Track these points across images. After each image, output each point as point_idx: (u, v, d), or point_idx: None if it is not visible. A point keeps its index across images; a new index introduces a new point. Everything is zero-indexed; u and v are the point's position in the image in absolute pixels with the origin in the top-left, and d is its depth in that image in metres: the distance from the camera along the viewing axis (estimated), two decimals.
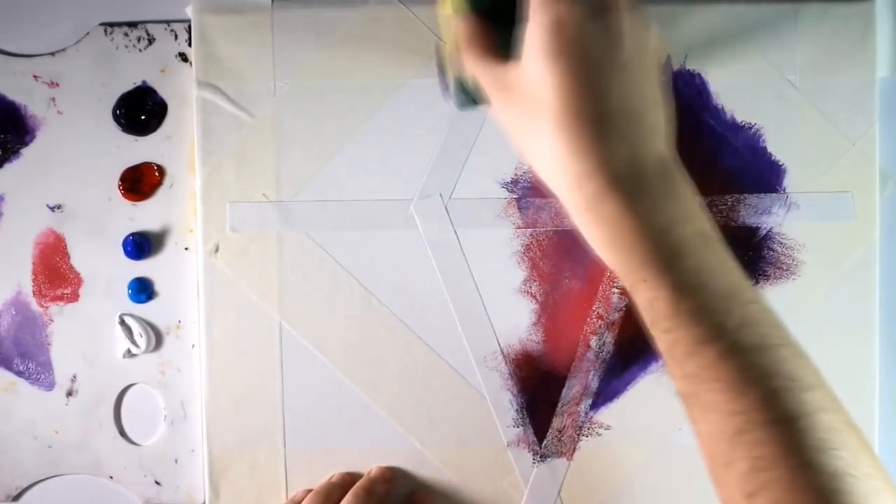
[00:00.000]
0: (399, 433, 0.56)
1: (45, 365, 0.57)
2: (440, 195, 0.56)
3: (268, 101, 0.55)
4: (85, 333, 0.57)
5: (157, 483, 0.57)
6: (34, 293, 0.57)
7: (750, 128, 0.56)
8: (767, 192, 0.56)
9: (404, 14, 0.55)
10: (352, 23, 0.55)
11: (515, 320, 0.56)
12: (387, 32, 0.55)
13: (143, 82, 0.56)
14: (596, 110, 0.36)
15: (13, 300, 0.57)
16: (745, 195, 0.56)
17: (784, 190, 0.56)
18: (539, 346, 0.56)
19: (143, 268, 0.57)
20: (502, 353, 0.56)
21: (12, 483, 0.57)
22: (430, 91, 0.55)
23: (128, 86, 0.56)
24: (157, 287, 0.57)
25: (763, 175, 0.56)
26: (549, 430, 0.56)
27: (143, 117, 0.56)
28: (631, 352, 0.56)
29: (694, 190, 0.38)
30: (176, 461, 0.57)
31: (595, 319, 0.56)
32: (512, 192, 0.56)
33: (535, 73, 0.36)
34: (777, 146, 0.56)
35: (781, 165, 0.56)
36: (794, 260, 0.56)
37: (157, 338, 0.57)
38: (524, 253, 0.56)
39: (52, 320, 0.57)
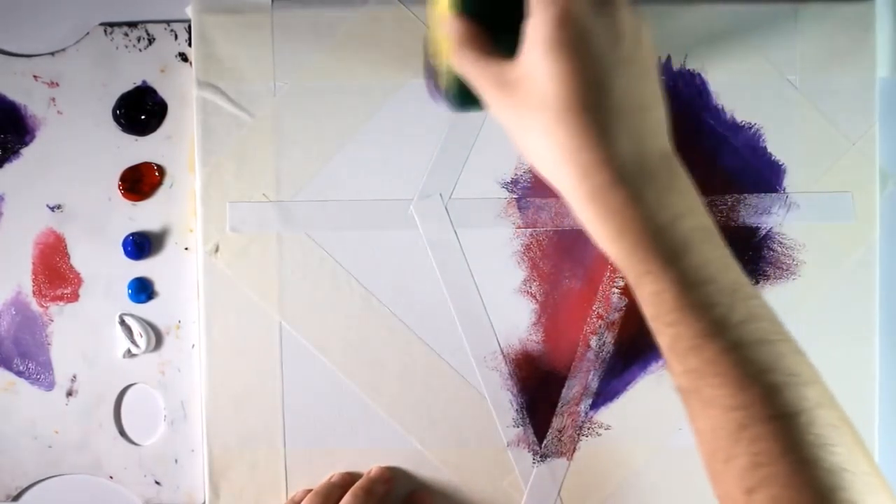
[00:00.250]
0: (399, 433, 0.56)
1: (45, 365, 0.57)
2: (440, 195, 0.56)
3: (268, 101, 0.55)
4: (85, 333, 0.57)
5: (157, 483, 0.57)
6: (34, 293, 0.57)
7: (750, 128, 0.56)
8: (767, 192, 0.56)
9: (404, 14, 0.55)
10: (352, 23, 0.55)
11: (515, 320, 0.56)
12: (387, 32, 0.55)
13: (143, 82, 0.56)
14: (602, 103, 0.36)
15: (13, 300, 0.57)
16: (745, 195, 0.56)
17: (784, 190, 0.56)
18: (539, 346, 0.56)
19: (143, 268, 0.57)
20: (502, 353, 0.56)
21: (12, 483, 0.57)
22: None
23: (128, 86, 0.56)
24: (157, 287, 0.57)
25: (763, 175, 0.56)
26: (549, 430, 0.56)
27: (143, 117, 0.56)
28: (631, 352, 0.56)
29: (694, 184, 0.39)
30: (176, 461, 0.57)
31: (595, 319, 0.56)
32: (512, 192, 0.56)
33: (538, 68, 0.36)
34: (777, 146, 0.56)
35: (781, 165, 0.56)
36: (794, 260, 0.56)
37: (157, 338, 0.57)
38: (524, 253, 0.56)
39: (52, 320, 0.57)
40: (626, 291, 0.56)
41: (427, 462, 0.56)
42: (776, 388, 0.35)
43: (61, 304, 0.57)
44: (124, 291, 0.57)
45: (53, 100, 0.56)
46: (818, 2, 0.55)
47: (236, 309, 0.55)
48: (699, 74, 0.55)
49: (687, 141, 0.56)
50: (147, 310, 0.57)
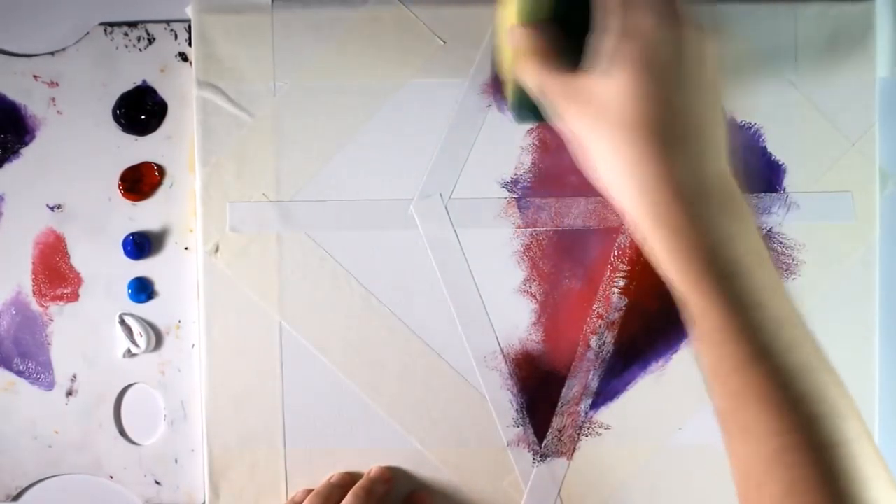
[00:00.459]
0: (399, 433, 0.56)
1: (45, 365, 0.57)
2: (440, 195, 0.56)
3: (268, 101, 0.55)
4: (85, 333, 0.57)
5: (157, 483, 0.57)
6: (34, 293, 0.57)
7: (750, 128, 0.56)
8: (767, 192, 0.56)
9: (404, 14, 0.55)
10: (352, 23, 0.55)
11: (515, 320, 0.56)
12: (387, 32, 0.55)
13: (143, 82, 0.56)
14: (668, 119, 0.37)
15: (13, 300, 0.57)
16: (745, 195, 0.56)
17: (784, 190, 0.56)
18: (539, 345, 0.56)
19: (143, 268, 0.57)
20: (502, 352, 0.56)
21: (12, 483, 0.57)
22: (430, 91, 0.55)
23: (128, 86, 0.56)
24: (157, 287, 0.57)
25: (763, 175, 0.56)
26: (549, 430, 0.56)
27: (143, 117, 0.56)
28: (631, 352, 0.56)
29: (753, 209, 0.39)
30: (176, 461, 0.57)
31: (595, 319, 0.56)
32: (512, 192, 0.56)
33: (607, 81, 0.37)
34: (777, 146, 0.56)
35: (781, 165, 0.56)
36: (794, 260, 0.56)
37: (157, 338, 0.57)
38: (524, 253, 0.56)
39: (52, 320, 0.57)
40: (626, 291, 0.56)
41: (427, 462, 0.56)
42: (817, 417, 0.35)
43: (61, 303, 0.57)
44: (124, 291, 0.57)
45: (53, 100, 0.56)
46: (818, 2, 0.55)
47: (236, 309, 0.55)
48: None
49: None
50: (147, 310, 0.57)
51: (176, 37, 0.56)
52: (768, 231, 0.56)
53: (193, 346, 0.57)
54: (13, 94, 0.56)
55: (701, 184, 0.37)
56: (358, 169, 0.56)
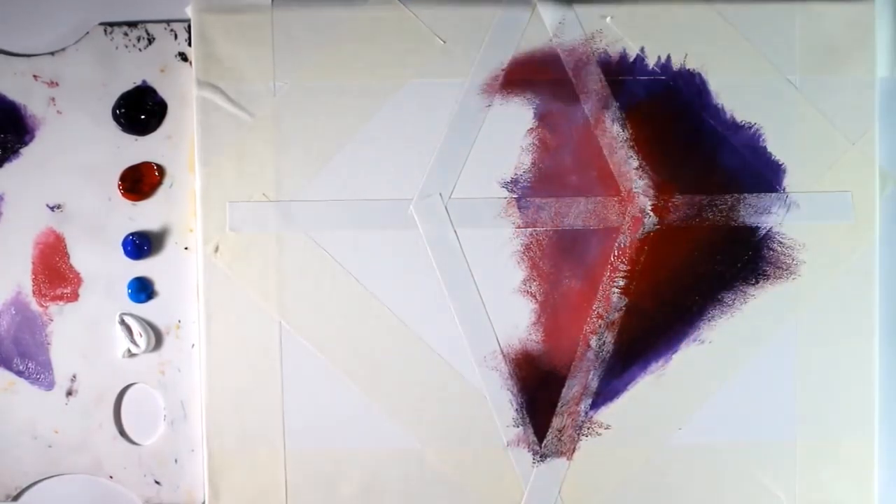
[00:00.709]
0: (399, 433, 0.56)
1: (45, 365, 0.57)
2: (440, 195, 0.56)
3: (268, 101, 0.55)
4: (85, 333, 0.57)
5: (157, 483, 0.57)
6: (34, 293, 0.57)
7: (750, 128, 0.56)
8: (767, 191, 0.56)
9: (404, 14, 0.55)
10: (352, 23, 0.55)
11: (515, 320, 0.56)
12: (387, 32, 0.55)
13: (143, 82, 0.56)
14: None
15: (13, 300, 0.57)
16: (745, 195, 0.56)
17: (784, 190, 0.56)
18: (539, 345, 0.56)
19: (143, 267, 0.57)
20: (502, 352, 0.56)
21: (12, 483, 0.57)
22: (430, 91, 0.55)
23: (128, 85, 0.56)
24: (157, 287, 0.57)
25: (763, 175, 0.56)
26: (549, 430, 0.56)
27: (143, 117, 0.56)
28: (631, 352, 0.56)
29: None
30: (176, 461, 0.57)
31: (595, 319, 0.56)
32: (512, 191, 0.56)
33: None
34: (777, 146, 0.56)
35: (781, 165, 0.56)
36: (794, 260, 0.56)
37: (157, 337, 0.57)
38: (524, 253, 0.56)
39: (51, 320, 0.57)
40: (626, 291, 0.56)
41: (427, 462, 0.56)
42: None
43: (61, 303, 0.57)
44: (124, 291, 0.57)
45: (53, 100, 0.56)
46: (818, 2, 0.55)
47: (236, 309, 0.55)
48: (699, 74, 0.55)
49: (687, 141, 0.56)
50: (147, 309, 0.57)
51: (176, 37, 0.56)
52: (768, 231, 0.56)
53: (193, 345, 0.57)
54: (13, 94, 0.56)
55: None
56: (358, 169, 0.56)
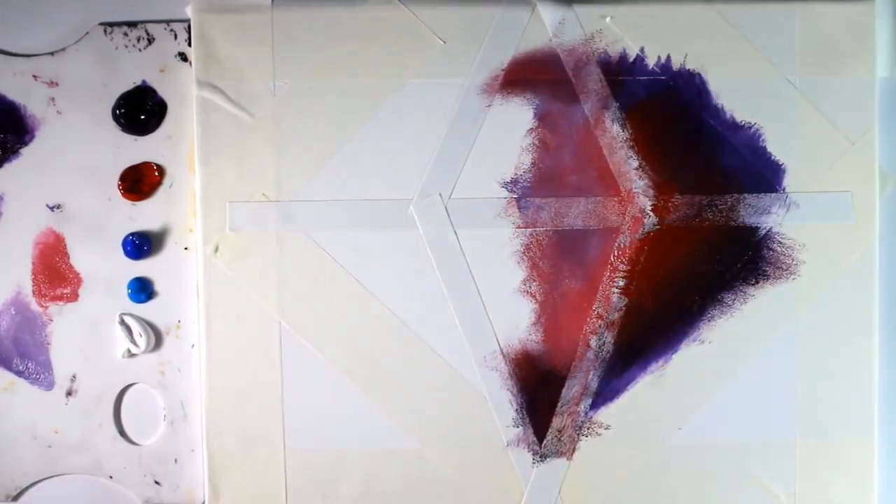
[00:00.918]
0: (399, 433, 0.56)
1: (45, 365, 0.57)
2: (440, 195, 0.56)
3: (268, 101, 0.55)
4: (84, 333, 0.57)
5: (157, 483, 0.57)
6: (34, 293, 0.57)
7: (750, 128, 0.56)
8: (767, 191, 0.56)
9: (404, 14, 0.55)
10: (352, 23, 0.55)
11: (515, 320, 0.56)
12: (387, 32, 0.55)
13: (143, 82, 0.56)
14: None
15: (13, 300, 0.57)
16: (745, 195, 0.56)
17: (784, 190, 0.56)
18: (539, 345, 0.56)
19: (143, 268, 0.57)
20: (502, 352, 0.56)
21: (12, 483, 0.57)
22: (430, 91, 0.55)
23: (128, 85, 0.56)
24: (157, 287, 0.57)
25: (763, 175, 0.56)
26: (549, 430, 0.56)
27: (142, 117, 0.56)
28: (631, 352, 0.56)
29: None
30: (176, 461, 0.57)
31: (595, 319, 0.56)
32: (512, 191, 0.56)
33: None
34: (777, 146, 0.56)
35: (781, 165, 0.56)
36: (794, 260, 0.56)
37: (156, 338, 0.57)
38: (524, 253, 0.56)
39: (51, 320, 0.57)
40: (626, 291, 0.56)
41: (427, 462, 0.56)
42: None
43: (61, 303, 0.57)
44: (124, 291, 0.57)
45: (53, 100, 0.56)
46: (818, 2, 0.55)
47: (236, 309, 0.55)
48: (699, 74, 0.55)
49: (687, 141, 0.56)
50: (147, 310, 0.57)
51: (176, 37, 0.56)
52: (768, 231, 0.56)
53: (193, 346, 0.57)
54: (13, 94, 0.56)
55: None
56: (358, 169, 0.56)
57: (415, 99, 0.55)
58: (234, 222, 0.55)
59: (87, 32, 0.56)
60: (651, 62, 0.55)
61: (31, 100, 0.56)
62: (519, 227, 0.56)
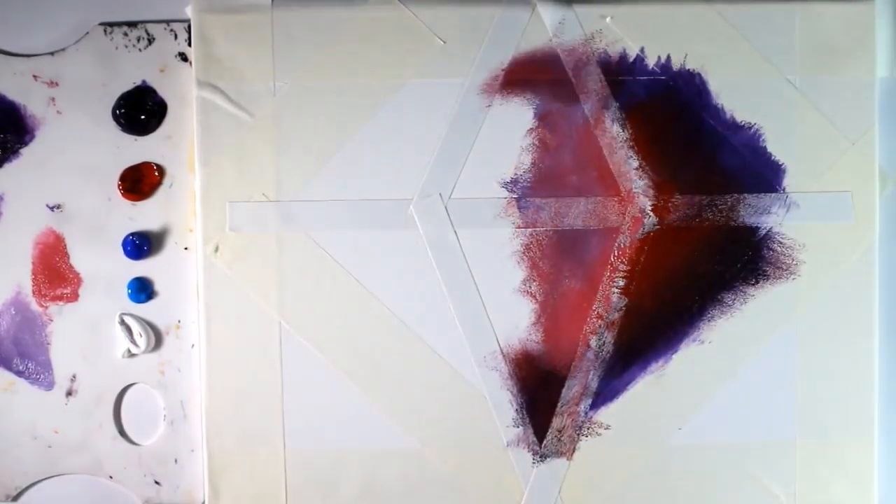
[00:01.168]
0: (399, 433, 0.56)
1: (45, 365, 0.57)
2: (440, 195, 0.56)
3: (268, 101, 0.55)
4: (84, 333, 0.57)
5: (157, 483, 0.57)
6: (34, 293, 0.57)
7: (750, 128, 0.56)
8: (767, 191, 0.56)
9: (404, 14, 0.55)
10: (352, 23, 0.55)
11: (515, 320, 0.56)
12: (387, 32, 0.55)
13: (143, 82, 0.56)
14: None
15: (13, 300, 0.57)
16: (745, 195, 0.56)
17: (784, 190, 0.56)
18: (539, 345, 0.56)
19: (143, 268, 0.57)
20: (502, 352, 0.56)
21: (12, 483, 0.57)
22: (430, 91, 0.55)
23: (128, 85, 0.56)
24: (157, 287, 0.57)
25: (763, 175, 0.56)
26: (549, 430, 0.56)
27: (142, 117, 0.56)
28: (631, 352, 0.56)
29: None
30: (176, 461, 0.57)
31: (595, 319, 0.56)
32: (512, 191, 0.56)
33: None
34: (777, 146, 0.56)
35: (781, 165, 0.56)
36: (794, 260, 0.56)
37: (156, 338, 0.57)
38: (524, 253, 0.56)
39: (51, 320, 0.57)
40: (626, 291, 0.56)
41: (427, 462, 0.56)
42: None
43: (61, 303, 0.57)
44: (124, 291, 0.57)
45: (53, 100, 0.56)
46: (818, 2, 0.55)
47: (236, 309, 0.55)
48: (699, 74, 0.55)
49: (687, 141, 0.56)
50: (147, 310, 0.57)
51: (176, 37, 0.56)
52: (768, 231, 0.56)
53: (193, 346, 0.57)
54: (13, 94, 0.56)
55: None
56: (358, 169, 0.56)
57: (415, 99, 0.55)
58: (234, 222, 0.55)
59: (87, 32, 0.56)
60: (651, 62, 0.55)
61: (31, 100, 0.56)
62: (519, 227, 0.56)
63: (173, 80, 0.56)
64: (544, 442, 0.56)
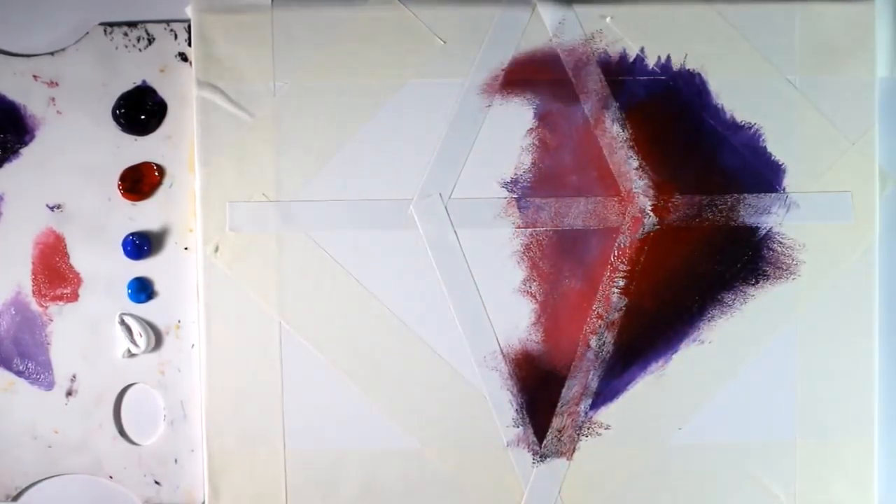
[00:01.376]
0: (399, 433, 0.56)
1: (45, 365, 0.57)
2: (440, 195, 0.56)
3: (268, 101, 0.55)
4: (84, 333, 0.57)
5: (157, 483, 0.57)
6: (34, 293, 0.57)
7: (750, 128, 0.56)
8: (767, 191, 0.56)
9: (404, 14, 0.55)
10: (352, 23, 0.55)
11: (515, 320, 0.56)
12: (387, 32, 0.55)
13: (143, 82, 0.56)
14: None
15: (13, 300, 0.57)
16: (745, 195, 0.56)
17: (784, 190, 0.56)
18: (539, 345, 0.56)
19: (143, 268, 0.57)
20: (502, 352, 0.56)
21: (12, 483, 0.57)
22: (430, 91, 0.55)
23: (128, 85, 0.56)
24: (157, 287, 0.57)
25: (763, 175, 0.56)
26: (549, 430, 0.56)
27: (142, 117, 0.56)
28: (631, 352, 0.56)
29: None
30: (176, 461, 0.57)
31: (595, 319, 0.56)
32: (512, 191, 0.56)
33: None
34: (777, 146, 0.56)
35: (781, 165, 0.56)
36: (794, 260, 0.56)
37: (156, 338, 0.57)
38: (524, 253, 0.56)
39: (51, 320, 0.57)
40: (626, 291, 0.56)
41: (427, 462, 0.56)
42: None
43: (61, 303, 0.57)
44: (124, 291, 0.57)
45: (53, 100, 0.56)
46: (818, 2, 0.55)
47: (236, 309, 0.55)
48: (699, 74, 0.55)
49: (687, 141, 0.56)
50: (147, 310, 0.57)
51: (176, 37, 0.56)
52: (768, 231, 0.56)
53: (193, 346, 0.57)
54: (13, 94, 0.56)
55: None
56: (358, 169, 0.56)
57: (415, 99, 0.55)
58: (234, 222, 0.55)
59: (87, 32, 0.56)
60: (651, 62, 0.55)
61: (31, 100, 0.56)
62: (519, 227, 0.56)
63: (173, 80, 0.56)
64: (544, 442, 0.56)
